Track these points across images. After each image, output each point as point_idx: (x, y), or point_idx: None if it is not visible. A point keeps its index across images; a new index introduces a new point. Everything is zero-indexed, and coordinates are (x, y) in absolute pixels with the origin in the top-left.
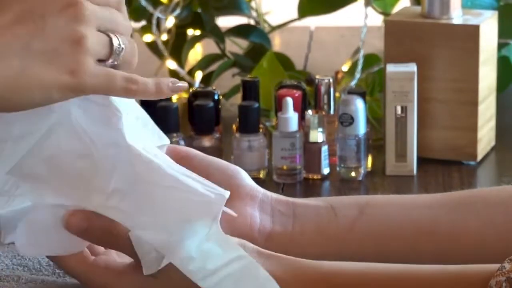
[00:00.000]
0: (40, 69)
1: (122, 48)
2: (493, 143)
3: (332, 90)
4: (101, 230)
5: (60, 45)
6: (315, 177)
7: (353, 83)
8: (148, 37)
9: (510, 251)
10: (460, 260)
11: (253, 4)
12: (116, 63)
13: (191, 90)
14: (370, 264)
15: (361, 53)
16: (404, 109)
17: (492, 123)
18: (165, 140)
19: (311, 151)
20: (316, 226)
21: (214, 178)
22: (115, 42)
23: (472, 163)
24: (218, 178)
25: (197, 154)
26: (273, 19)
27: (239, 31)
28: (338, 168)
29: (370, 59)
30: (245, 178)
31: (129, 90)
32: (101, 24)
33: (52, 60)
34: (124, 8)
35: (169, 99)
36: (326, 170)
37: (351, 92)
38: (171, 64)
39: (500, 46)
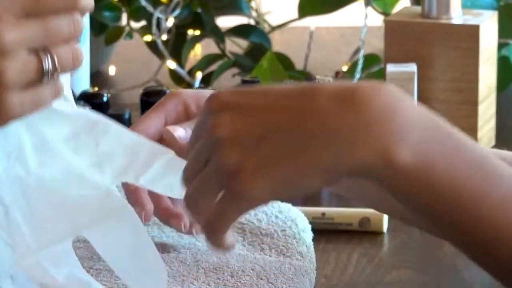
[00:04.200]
0: None
1: (57, 68)
2: (493, 143)
3: None
4: None
5: None
6: None
7: None
8: (148, 37)
9: None
10: None
11: (253, 4)
12: (49, 82)
13: None
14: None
15: (361, 53)
16: None
17: (492, 123)
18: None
19: None
20: None
21: None
22: (46, 65)
23: None
24: None
25: None
26: (273, 19)
27: (239, 31)
28: None
29: (370, 59)
30: None
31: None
32: (30, 44)
33: None
34: (80, 5)
35: None
36: None
37: None
38: (171, 64)
39: (500, 46)
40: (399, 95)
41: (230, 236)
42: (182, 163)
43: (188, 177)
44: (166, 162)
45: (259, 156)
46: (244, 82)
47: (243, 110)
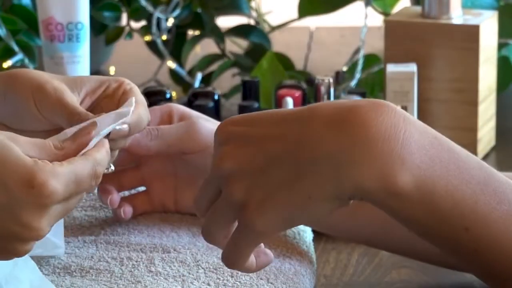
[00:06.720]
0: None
1: None
2: (493, 143)
3: (332, 90)
4: None
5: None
6: None
7: (353, 83)
8: (148, 37)
9: None
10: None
11: (253, 4)
12: None
13: (191, 90)
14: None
15: (361, 53)
16: (404, 109)
17: (492, 123)
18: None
19: None
20: None
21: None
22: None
23: None
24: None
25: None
26: (273, 19)
27: (239, 31)
28: None
29: (370, 59)
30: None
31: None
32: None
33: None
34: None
35: (169, 99)
36: None
37: (351, 92)
38: (171, 64)
39: (500, 46)
40: (399, 113)
41: (252, 259)
42: None
43: (201, 207)
44: None
45: (262, 188)
46: (244, 82)
47: (244, 140)
